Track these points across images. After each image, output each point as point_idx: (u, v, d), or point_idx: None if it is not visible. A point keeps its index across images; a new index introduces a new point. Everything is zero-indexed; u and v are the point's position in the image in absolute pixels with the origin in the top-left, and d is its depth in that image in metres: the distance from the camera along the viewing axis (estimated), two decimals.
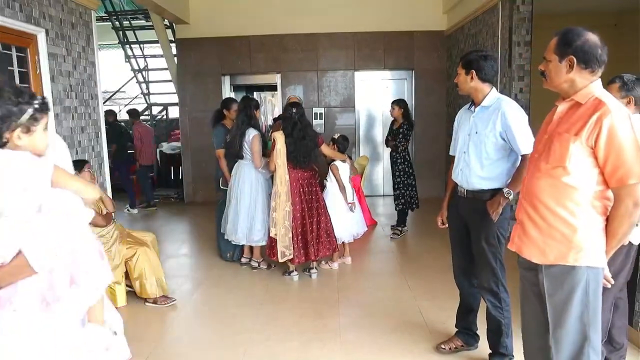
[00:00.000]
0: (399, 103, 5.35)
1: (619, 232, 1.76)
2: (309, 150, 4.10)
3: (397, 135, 5.27)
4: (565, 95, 1.88)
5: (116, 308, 2.99)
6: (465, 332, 2.96)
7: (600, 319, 1.88)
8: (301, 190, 4.15)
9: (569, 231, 1.82)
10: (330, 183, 4.62)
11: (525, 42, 4.85)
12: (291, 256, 4.13)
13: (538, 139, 2.01)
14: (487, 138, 2.51)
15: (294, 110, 4.08)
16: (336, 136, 4.78)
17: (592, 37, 1.79)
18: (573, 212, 1.81)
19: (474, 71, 2.54)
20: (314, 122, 7.45)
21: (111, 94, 10.92)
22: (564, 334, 1.86)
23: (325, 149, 4.34)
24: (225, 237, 4.53)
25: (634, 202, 1.71)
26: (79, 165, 3.67)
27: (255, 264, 4.55)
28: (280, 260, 4.16)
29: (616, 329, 2.58)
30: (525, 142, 2.45)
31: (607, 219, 1.81)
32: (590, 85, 1.81)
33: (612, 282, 1.98)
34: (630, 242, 2.31)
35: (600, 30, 1.83)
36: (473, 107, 2.64)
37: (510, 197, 2.50)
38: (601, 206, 1.80)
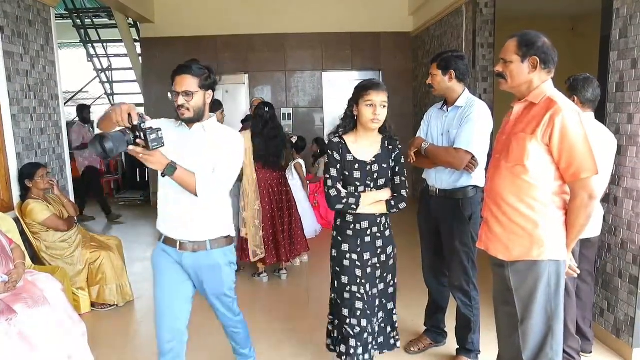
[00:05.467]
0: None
1: (576, 224, 1.84)
2: (280, 150, 4.10)
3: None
4: (520, 96, 1.95)
5: (80, 315, 2.92)
6: (434, 331, 3.00)
7: (563, 310, 1.95)
8: (270, 190, 4.13)
9: (531, 227, 1.88)
10: (292, 180, 4.71)
11: (488, 44, 4.97)
12: (263, 255, 4.10)
13: (497, 139, 2.07)
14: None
15: (267, 110, 4.07)
16: (294, 140, 4.93)
17: (547, 40, 1.89)
18: (533, 208, 1.87)
19: (453, 71, 2.54)
20: (282, 122, 7.42)
21: (73, 94, 10.58)
22: (530, 326, 1.93)
23: None
24: None
25: (589, 194, 1.79)
26: (33, 169, 3.54)
27: None
28: (253, 260, 4.11)
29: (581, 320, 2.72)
30: (469, 139, 2.45)
31: (565, 213, 1.88)
32: (543, 86, 1.90)
33: (578, 272, 2.07)
34: None
35: (558, 34, 1.90)
36: (445, 107, 2.65)
37: (425, 147, 2.59)
38: (560, 201, 1.88)
